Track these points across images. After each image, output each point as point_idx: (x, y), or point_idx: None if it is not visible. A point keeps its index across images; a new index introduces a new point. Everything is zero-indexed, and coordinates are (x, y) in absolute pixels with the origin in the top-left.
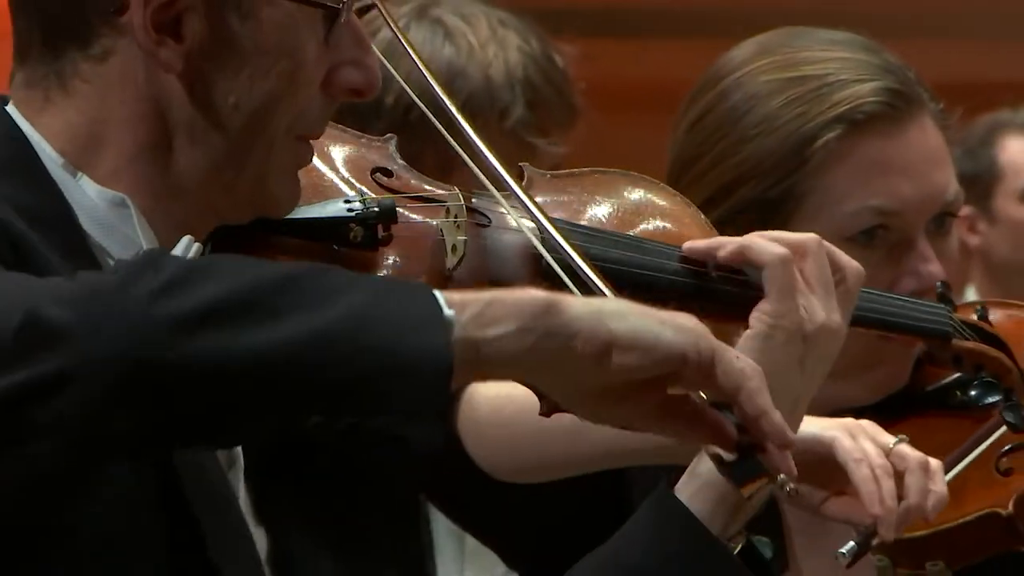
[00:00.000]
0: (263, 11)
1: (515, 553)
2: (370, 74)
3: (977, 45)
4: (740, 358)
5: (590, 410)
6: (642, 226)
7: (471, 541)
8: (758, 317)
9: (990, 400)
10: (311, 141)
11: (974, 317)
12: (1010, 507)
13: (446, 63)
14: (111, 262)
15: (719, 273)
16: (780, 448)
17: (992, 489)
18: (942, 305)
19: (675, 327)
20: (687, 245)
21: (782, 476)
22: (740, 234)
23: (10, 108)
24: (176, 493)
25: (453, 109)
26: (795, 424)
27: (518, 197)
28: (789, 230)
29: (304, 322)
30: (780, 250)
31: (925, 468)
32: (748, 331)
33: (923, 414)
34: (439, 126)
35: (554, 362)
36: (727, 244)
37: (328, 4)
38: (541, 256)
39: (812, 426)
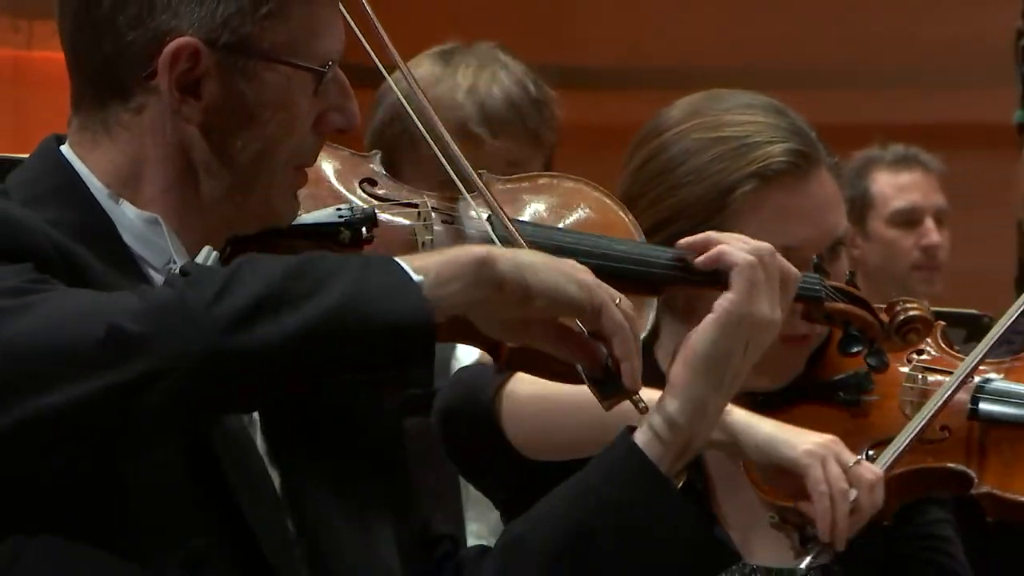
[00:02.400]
0: (264, 74)
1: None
2: (351, 117)
3: (854, 94)
4: (620, 306)
5: (502, 333)
6: (574, 216)
7: (473, 490)
8: (722, 305)
9: (856, 349)
10: (308, 168)
11: (843, 283)
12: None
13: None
14: (149, 270)
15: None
16: (630, 386)
17: None
18: (816, 275)
19: (577, 282)
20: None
21: (638, 395)
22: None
23: (65, 147)
24: (205, 445)
25: (441, 127)
26: (731, 391)
27: (483, 196)
28: (711, 261)
29: (318, 304)
30: (750, 257)
31: (873, 487)
32: (710, 315)
33: (815, 403)
34: (426, 135)
35: (485, 302)
36: (706, 247)
37: (316, 68)
38: (496, 245)
39: (795, 449)
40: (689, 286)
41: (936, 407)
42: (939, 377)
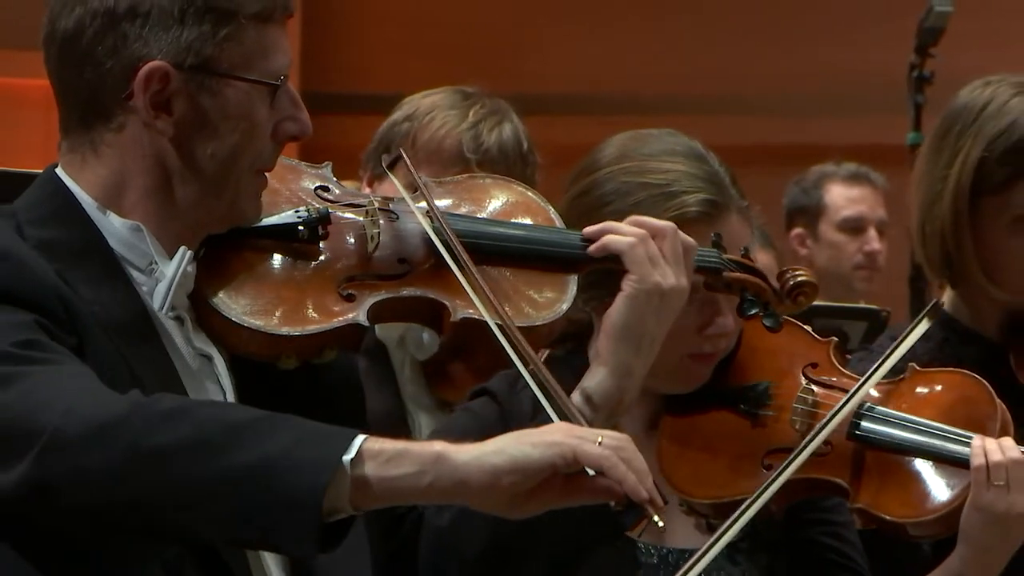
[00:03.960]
0: (225, 90)
1: None
2: (303, 125)
3: (810, 121)
4: (602, 442)
5: (509, 511)
6: (502, 208)
7: None
8: (627, 282)
9: (752, 311)
10: (268, 172)
11: (739, 256)
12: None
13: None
14: (133, 272)
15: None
16: (636, 499)
17: (756, 478)
18: (715, 250)
19: (542, 444)
20: (587, 230)
21: (655, 517)
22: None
23: (59, 169)
24: None
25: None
26: (651, 353)
27: (424, 197)
28: (601, 250)
29: (233, 459)
30: (630, 238)
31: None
32: (621, 292)
33: (720, 408)
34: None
35: (458, 494)
36: (596, 239)
37: (271, 83)
38: (431, 239)
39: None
40: (601, 264)
41: (819, 437)
42: (828, 391)
